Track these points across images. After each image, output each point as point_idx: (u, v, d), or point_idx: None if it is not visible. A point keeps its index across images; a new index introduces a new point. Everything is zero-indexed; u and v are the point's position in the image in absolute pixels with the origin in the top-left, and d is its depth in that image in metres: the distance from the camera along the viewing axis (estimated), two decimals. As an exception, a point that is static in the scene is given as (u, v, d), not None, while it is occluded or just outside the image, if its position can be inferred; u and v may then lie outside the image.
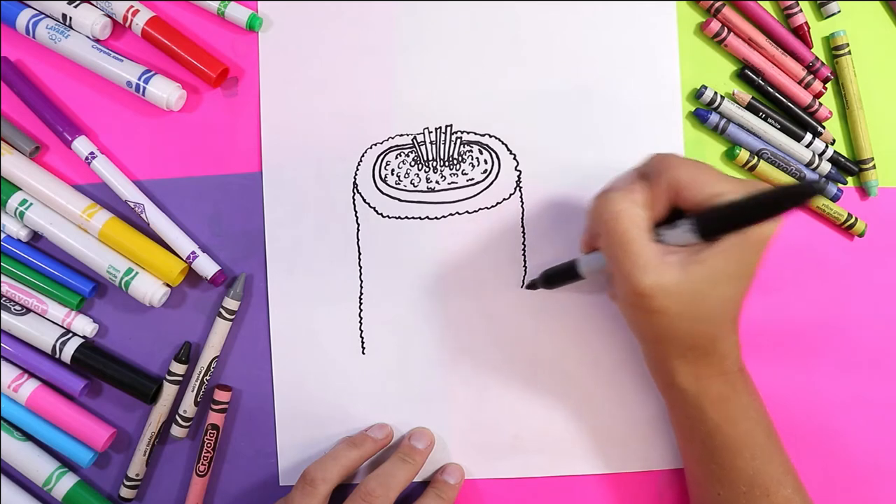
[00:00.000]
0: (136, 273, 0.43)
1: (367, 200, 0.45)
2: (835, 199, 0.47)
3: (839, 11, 0.47)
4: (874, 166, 0.47)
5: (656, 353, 0.39)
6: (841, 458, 0.46)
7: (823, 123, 0.47)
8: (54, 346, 0.43)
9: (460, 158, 0.45)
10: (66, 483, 0.44)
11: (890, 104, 0.47)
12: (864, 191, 0.47)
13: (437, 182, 0.45)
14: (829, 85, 0.47)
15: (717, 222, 0.34)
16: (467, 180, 0.45)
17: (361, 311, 0.45)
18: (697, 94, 0.45)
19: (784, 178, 0.46)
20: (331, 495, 0.41)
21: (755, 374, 0.46)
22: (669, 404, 0.41)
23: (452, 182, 0.45)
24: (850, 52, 0.46)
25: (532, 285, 0.44)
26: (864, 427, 0.47)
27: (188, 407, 0.44)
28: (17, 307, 0.44)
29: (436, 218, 0.45)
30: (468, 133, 0.45)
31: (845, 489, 0.46)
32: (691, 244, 0.35)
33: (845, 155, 0.47)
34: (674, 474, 0.45)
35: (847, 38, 0.46)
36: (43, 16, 0.43)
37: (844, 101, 0.47)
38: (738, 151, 0.45)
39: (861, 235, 0.47)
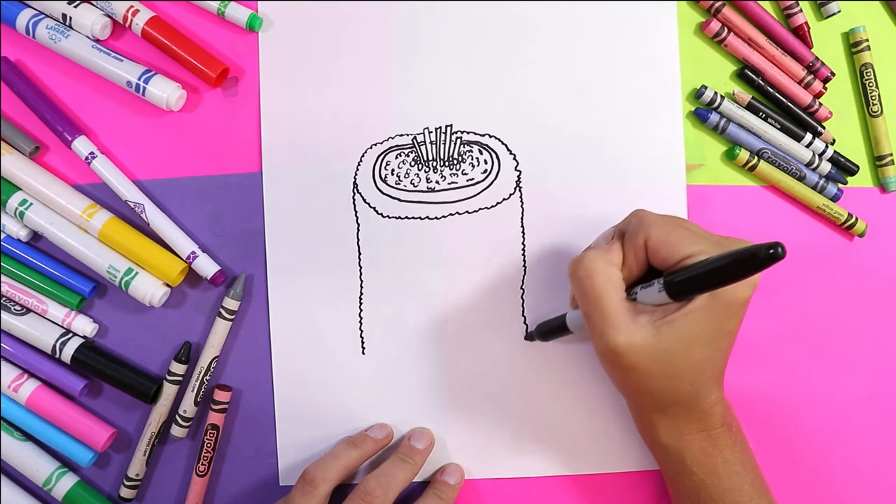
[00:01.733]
0: (136, 273, 0.43)
1: (367, 200, 0.45)
2: (835, 199, 0.47)
3: (839, 11, 0.47)
4: (892, 161, 0.47)
5: (637, 408, 0.39)
6: (841, 458, 0.46)
7: (823, 123, 0.47)
8: (54, 346, 0.43)
9: (460, 158, 0.45)
10: (66, 483, 0.44)
11: (891, 104, 0.47)
12: (882, 187, 0.47)
13: (437, 182, 0.45)
14: (829, 85, 0.47)
15: (684, 283, 0.34)
16: (467, 180, 0.45)
17: (361, 311, 0.45)
18: (697, 94, 0.45)
19: (784, 178, 0.46)
20: (331, 495, 0.41)
21: (754, 375, 0.46)
22: (654, 457, 0.41)
23: (452, 182, 0.45)
24: (869, 48, 0.46)
25: (530, 337, 0.44)
26: (865, 427, 0.47)
27: (188, 407, 0.44)
28: (17, 307, 0.44)
29: (436, 218, 0.45)
30: (468, 133, 0.45)
31: (846, 489, 0.46)
32: (664, 304, 0.35)
33: (853, 153, 0.47)
34: (674, 474, 0.45)
35: (867, 35, 0.46)
36: (43, 16, 0.43)
37: (864, 97, 0.47)
38: (738, 151, 0.45)
39: (861, 235, 0.47)
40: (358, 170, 0.45)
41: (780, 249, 0.28)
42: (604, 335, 0.35)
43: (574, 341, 0.44)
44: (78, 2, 0.43)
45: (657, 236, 0.36)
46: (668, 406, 0.37)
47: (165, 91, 0.43)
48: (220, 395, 0.44)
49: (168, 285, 0.44)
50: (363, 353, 0.45)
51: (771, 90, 0.46)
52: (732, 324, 0.36)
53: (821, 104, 0.47)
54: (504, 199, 0.45)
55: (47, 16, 0.44)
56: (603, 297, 0.35)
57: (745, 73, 0.46)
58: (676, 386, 0.36)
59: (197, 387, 0.44)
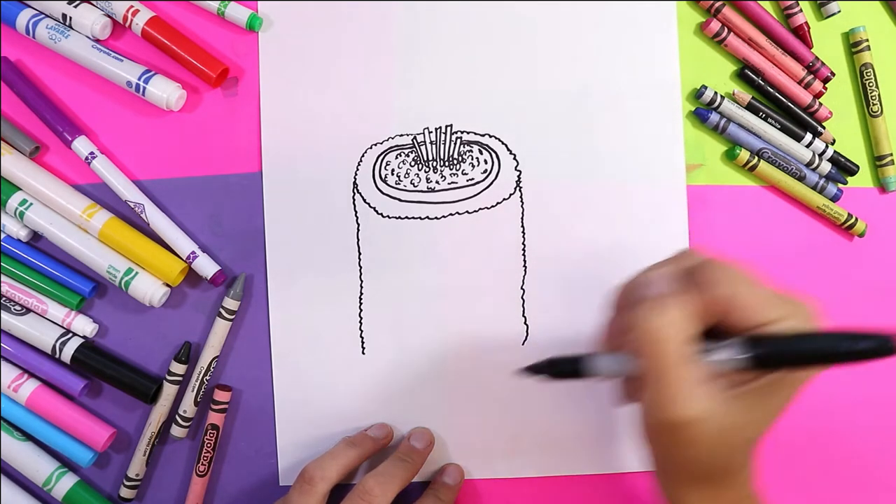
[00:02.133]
0: (136, 273, 0.43)
1: (367, 200, 0.45)
2: (835, 199, 0.47)
3: (839, 11, 0.47)
4: (892, 161, 0.47)
5: (667, 478, 0.35)
6: (842, 459, 0.46)
7: (823, 123, 0.47)
8: (54, 346, 0.43)
9: (460, 158, 0.45)
10: (66, 483, 0.44)
11: (891, 104, 0.47)
12: (882, 187, 0.47)
13: (437, 182, 0.45)
14: (829, 85, 0.47)
15: (775, 355, 0.29)
16: (467, 180, 0.45)
17: (361, 311, 0.45)
18: (697, 94, 0.45)
19: (784, 178, 0.46)
20: (330, 495, 0.41)
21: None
22: None
23: (452, 182, 0.45)
24: (869, 48, 0.46)
25: (532, 370, 0.35)
26: (865, 427, 0.47)
27: (188, 407, 0.44)
28: (17, 307, 0.44)
29: (436, 218, 0.45)
30: (468, 133, 0.45)
31: (846, 490, 0.46)
32: (738, 370, 0.30)
33: (853, 153, 0.47)
34: (674, 474, 0.45)
35: (867, 34, 0.46)
36: (43, 16, 0.43)
37: (864, 97, 0.47)
38: (738, 151, 0.45)
39: (861, 235, 0.47)
40: (358, 170, 0.45)
41: (892, 344, 0.26)
42: (667, 408, 0.30)
43: (574, 345, 0.44)
44: (78, 2, 0.43)
45: (745, 295, 0.30)
46: (704, 477, 0.33)
47: (165, 91, 0.43)
48: (220, 395, 0.44)
49: (168, 285, 0.44)
50: (363, 353, 0.45)
51: (771, 90, 0.46)
52: (789, 402, 0.32)
53: (821, 104, 0.47)
54: (504, 199, 0.45)
55: (47, 16, 0.44)
56: (677, 363, 0.30)
57: (745, 73, 0.46)
58: (721, 461, 0.32)
59: (197, 387, 0.44)
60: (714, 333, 0.31)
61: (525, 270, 0.45)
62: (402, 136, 0.45)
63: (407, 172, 0.45)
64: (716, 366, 0.30)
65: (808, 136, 0.46)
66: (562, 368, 0.34)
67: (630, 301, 0.33)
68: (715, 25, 0.45)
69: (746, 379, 0.30)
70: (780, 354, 0.29)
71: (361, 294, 0.45)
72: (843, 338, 0.28)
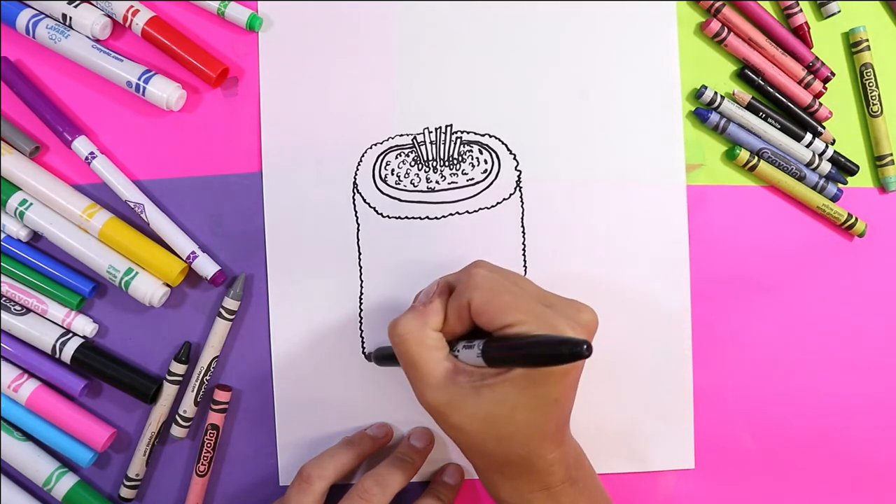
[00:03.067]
0: (136, 273, 0.43)
1: (367, 200, 0.45)
2: (835, 199, 0.47)
3: (839, 11, 0.47)
4: (892, 161, 0.47)
5: (476, 466, 0.39)
6: (841, 459, 0.46)
7: (823, 123, 0.47)
8: (54, 346, 0.43)
9: (460, 158, 0.45)
10: (66, 483, 0.44)
11: (891, 104, 0.47)
12: (882, 187, 0.47)
13: (437, 182, 0.45)
14: (829, 85, 0.47)
15: (498, 356, 0.34)
16: (467, 180, 0.45)
17: (361, 311, 0.45)
18: (697, 94, 0.45)
19: (784, 178, 0.46)
20: (330, 496, 0.41)
21: (755, 375, 0.46)
22: None
23: (452, 182, 0.45)
24: (869, 48, 0.47)
25: (368, 357, 0.44)
26: (865, 427, 0.47)
27: (188, 407, 0.44)
28: (17, 307, 0.44)
29: (436, 218, 0.45)
30: (468, 133, 0.45)
31: (846, 489, 0.46)
32: (483, 367, 0.35)
33: (853, 153, 0.47)
34: (675, 475, 0.45)
35: (867, 34, 0.46)
36: (43, 16, 0.43)
37: (864, 97, 0.47)
38: (738, 151, 0.45)
39: (861, 235, 0.47)
40: (358, 170, 0.45)
41: (583, 349, 0.28)
42: (422, 395, 0.36)
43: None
44: (78, 2, 0.43)
45: (479, 301, 0.35)
46: (502, 466, 0.37)
47: (165, 91, 0.43)
48: (220, 395, 0.44)
49: (168, 285, 0.44)
50: (363, 353, 0.45)
51: (771, 90, 0.46)
52: (557, 391, 0.34)
53: (821, 104, 0.47)
54: (504, 199, 0.45)
55: (47, 16, 0.44)
56: (417, 360, 0.36)
57: (745, 73, 0.46)
58: (506, 448, 0.35)
59: (197, 387, 0.44)
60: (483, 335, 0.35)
61: (525, 270, 0.45)
62: (402, 136, 0.45)
63: (407, 172, 0.45)
64: (466, 362, 0.35)
65: (808, 136, 0.46)
66: (381, 355, 0.42)
67: None
68: (715, 25, 0.45)
69: (492, 374, 0.34)
70: (504, 356, 0.33)
71: (361, 294, 0.45)
72: (548, 343, 0.31)
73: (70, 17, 0.43)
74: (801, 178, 0.46)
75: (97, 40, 0.44)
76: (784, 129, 0.46)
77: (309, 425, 0.44)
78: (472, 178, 0.45)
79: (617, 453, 0.45)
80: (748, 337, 0.46)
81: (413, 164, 0.45)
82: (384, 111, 0.45)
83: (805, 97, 0.47)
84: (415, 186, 0.45)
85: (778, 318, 0.46)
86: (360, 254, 0.45)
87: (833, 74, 0.47)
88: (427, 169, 0.45)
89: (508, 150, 0.45)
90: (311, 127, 0.45)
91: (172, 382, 0.44)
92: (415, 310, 0.38)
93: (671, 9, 0.46)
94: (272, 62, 0.45)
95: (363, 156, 0.45)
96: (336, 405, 0.45)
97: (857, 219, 0.46)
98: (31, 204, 0.43)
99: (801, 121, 0.47)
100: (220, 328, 0.44)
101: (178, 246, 0.44)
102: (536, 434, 0.35)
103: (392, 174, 0.45)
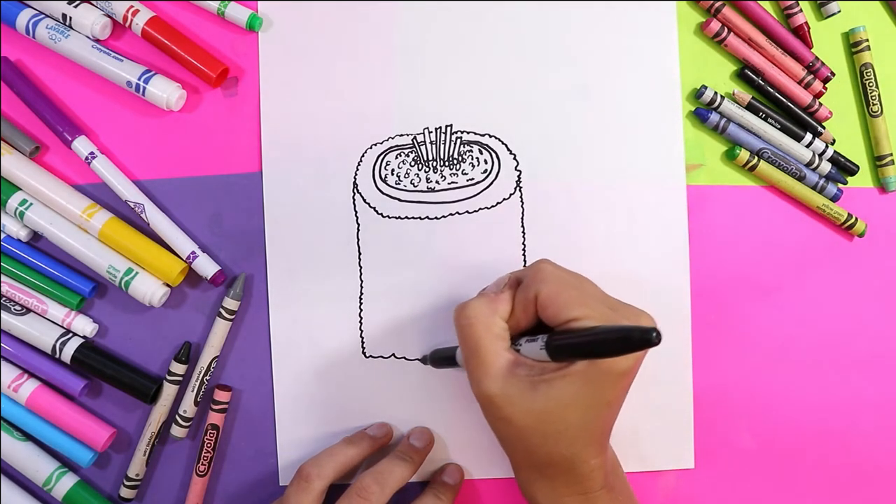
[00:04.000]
0: (136, 273, 0.43)
1: (367, 200, 0.45)
2: (835, 199, 0.47)
3: (839, 11, 0.47)
4: (892, 161, 0.47)
5: (516, 463, 0.39)
6: (842, 458, 0.46)
7: (823, 123, 0.47)
8: (54, 346, 0.43)
9: (460, 158, 0.45)
10: (66, 483, 0.44)
11: (891, 104, 0.47)
12: (882, 187, 0.47)
13: (437, 182, 0.45)
14: (829, 85, 0.47)
15: (562, 347, 0.33)
16: (467, 180, 0.45)
17: (361, 311, 0.45)
18: (697, 94, 0.45)
19: (784, 178, 0.46)
20: (330, 496, 0.41)
21: (755, 375, 0.46)
22: None
23: (452, 182, 0.45)
24: (869, 48, 0.47)
25: (423, 360, 0.44)
26: (865, 427, 0.47)
27: (188, 407, 0.44)
28: (17, 307, 0.44)
29: (436, 218, 0.45)
30: (468, 133, 0.45)
31: (846, 489, 0.46)
32: (545, 361, 0.35)
33: (853, 153, 0.47)
34: (675, 475, 0.45)
35: (867, 34, 0.46)
36: (43, 16, 0.43)
37: (864, 97, 0.47)
38: (738, 151, 0.45)
39: (861, 235, 0.47)
40: (358, 170, 0.45)
41: (653, 336, 0.28)
42: (479, 383, 0.35)
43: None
44: (78, 2, 0.43)
45: (547, 293, 0.35)
46: (543, 466, 0.37)
47: (165, 91, 0.43)
48: (220, 395, 0.44)
49: (168, 285, 0.44)
50: (363, 353, 0.45)
51: (771, 90, 0.46)
52: (612, 393, 0.35)
53: (821, 104, 0.47)
54: (504, 199, 0.45)
55: (47, 16, 0.44)
56: (481, 345, 0.35)
57: (745, 73, 0.46)
58: (552, 448, 0.35)
59: (197, 387, 0.44)
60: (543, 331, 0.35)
61: (525, 270, 0.45)
62: (402, 136, 0.45)
63: (407, 172, 0.45)
64: (526, 356, 0.35)
65: (808, 136, 0.46)
66: (438, 357, 0.42)
67: None
68: (715, 25, 0.45)
69: (551, 369, 0.34)
70: (569, 347, 0.33)
71: (361, 294, 0.45)
72: (617, 330, 0.31)
73: (70, 17, 0.43)
74: (801, 178, 0.46)
75: (97, 40, 0.44)
76: (784, 129, 0.46)
77: (309, 425, 0.44)
78: (472, 178, 0.45)
79: (617, 453, 0.45)
80: (748, 337, 0.46)
81: (413, 164, 0.45)
82: (384, 111, 0.45)
83: (805, 97, 0.47)
84: (415, 186, 0.45)
85: (778, 317, 0.46)
86: (360, 254, 0.45)
87: (833, 74, 0.47)
88: (427, 169, 0.45)
89: (508, 150, 0.45)
90: (311, 127, 0.45)
91: (172, 382, 0.44)
92: (485, 296, 0.37)
93: (671, 9, 0.46)
94: (272, 62, 0.45)
95: (363, 156, 0.45)
96: (336, 405, 0.45)
97: (857, 219, 0.46)
98: (31, 204, 0.43)
99: (801, 121, 0.47)
100: (220, 328, 0.44)
101: (178, 246, 0.44)
102: (583, 436, 0.35)
103: (392, 174, 0.45)
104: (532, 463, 0.37)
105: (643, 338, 0.28)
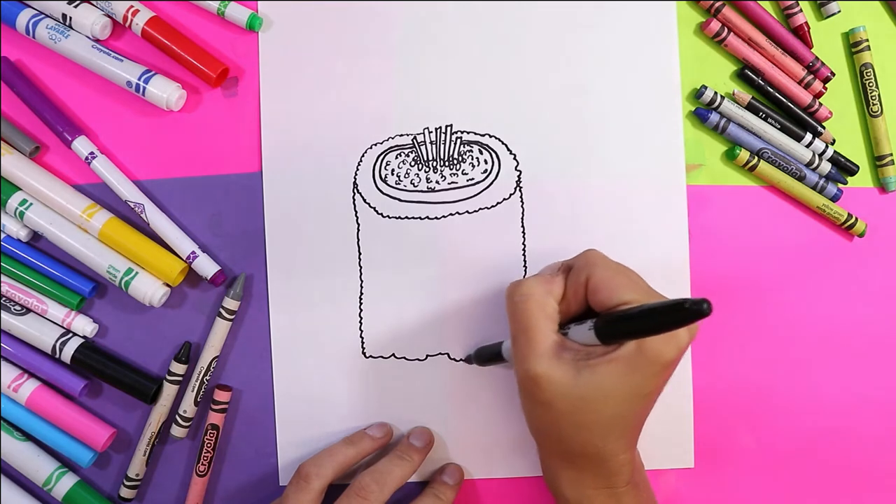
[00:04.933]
0: (136, 273, 0.43)
1: (367, 200, 0.45)
2: (835, 199, 0.47)
3: (839, 11, 0.47)
4: (892, 161, 0.47)
5: (544, 452, 0.39)
6: (842, 458, 0.46)
7: (823, 123, 0.47)
8: (54, 346, 0.43)
9: (460, 158, 0.45)
10: (66, 483, 0.44)
11: (891, 104, 0.47)
12: (882, 187, 0.47)
13: (437, 182, 0.45)
14: (829, 85, 0.47)
15: (611, 325, 0.33)
16: (467, 180, 0.45)
17: (361, 311, 0.45)
18: (697, 94, 0.45)
19: (784, 178, 0.46)
20: (329, 495, 0.41)
21: (755, 375, 0.46)
22: None
23: (452, 182, 0.45)
24: (869, 48, 0.47)
25: (468, 360, 0.44)
26: (865, 427, 0.47)
27: (188, 407, 0.44)
28: (17, 307, 0.44)
29: (436, 218, 0.45)
30: (468, 133, 0.45)
31: (846, 489, 0.46)
32: (592, 345, 0.35)
33: (853, 153, 0.47)
34: (675, 474, 0.45)
35: (867, 34, 0.46)
36: (43, 16, 0.43)
37: (864, 97, 0.47)
38: (738, 151, 0.45)
39: (861, 235, 0.47)
40: (358, 170, 0.45)
41: (705, 306, 0.28)
42: (525, 361, 0.35)
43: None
44: (78, 2, 0.43)
45: (599, 277, 0.35)
46: (574, 456, 0.37)
47: (165, 91, 0.43)
48: (220, 395, 0.44)
49: (168, 285, 0.44)
50: (363, 353, 0.45)
51: (771, 90, 0.46)
52: (652, 384, 0.35)
53: (821, 104, 0.47)
54: (504, 199, 0.45)
55: (47, 16, 0.44)
56: (533, 323, 0.35)
57: (745, 73, 0.46)
58: (585, 437, 0.35)
59: (197, 387, 0.44)
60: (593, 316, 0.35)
61: (525, 270, 0.45)
62: (402, 136, 0.45)
63: (407, 172, 0.45)
64: (574, 340, 0.35)
65: (808, 136, 0.46)
66: (485, 354, 0.42)
67: None
68: (715, 25, 0.45)
69: (597, 354, 0.34)
70: (619, 322, 0.33)
71: (361, 294, 0.45)
72: (668, 304, 0.30)
73: (70, 17, 0.43)
74: (801, 178, 0.46)
75: (97, 40, 0.44)
76: (784, 129, 0.46)
77: (309, 425, 0.44)
78: (472, 178, 0.45)
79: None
80: (748, 337, 0.46)
81: (413, 164, 0.45)
82: (384, 111, 0.45)
83: (805, 97, 0.47)
84: (415, 186, 0.45)
85: (778, 317, 0.46)
86: (360, 254, 0.45)
87: (833, 74, 0.47)
88: (427, 169, 0.45)
89: (508, 150, 0.45)
90: (311, 127, 0.45)
91: (172, 382, 0.44)
92: (542, 276, 0.38)
93: (671, 9, 0.46)
94: (272, 62, 0.45)
95: (363, 156, 0.45)
96: (336, 405, 0.45)
97: (857, 219, 0.46)
98: (31, 204, 0.43)
99: (801, 121, 0.47)
100: (220, 328, 0.44)
101: (178, 246, 0.44)
102: (618, 428, 0.35)
103: (392, 174, 0.45)
104: (562, 452, 0.37)
105: (695, 308, 0.28)
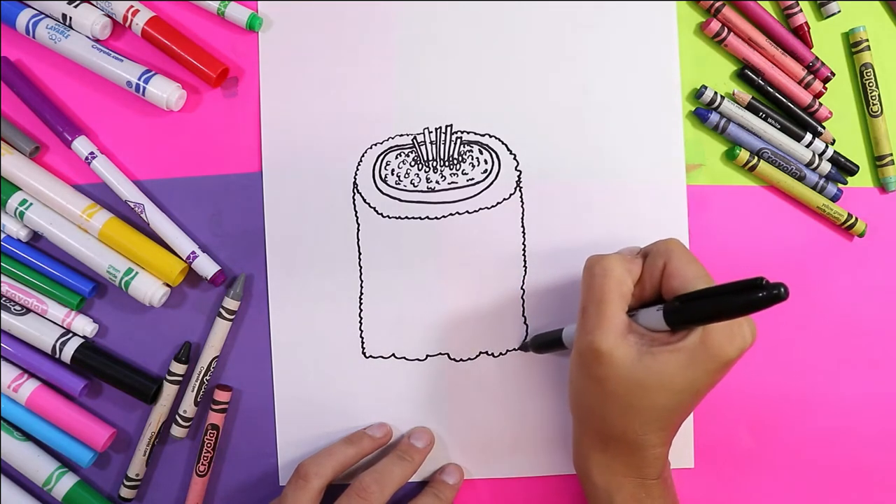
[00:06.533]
0: (136, 273, 0.43)
1: (367, 200, 0.45)
2: (835, 199, 0.47)
3: (839, 11, 0.47)
4: (892, 161, 0.47)
5: (580, 433, 0.39)
6: (842, 458, 0.46)
7: (823, 123, 0.47)
8: (54, 346, 0.43)
9: (460, 158, 0.45)
10: (66, 483, 0.44)
11: (891, 104, 0.47)
12: (882, 187, 0.47)
13: (437, 182, 0.45)
14: (829, 85, 0.47)
15: (682, 307, 0.33)
16: (467, 180, 0.45)
17: (361, 311, 0.45)
18: (697, 94, 0.45)
19: (784, 178, 0.46)
20: (328, 494, 0.41)
21: (755, 375, 0.46)
22: (585, 493, 0.40)
23: (452, 182, 0.45)
24: (869, 48, 0.47)
25: (524, 348, 0.44)
26: (865, 427, 0.46)
27: (188, 407, 0.44)
28: (17, 307, 0.44)
29: (436, 218, 0.45)
30: (468, 133, 0.45)
31: (846, 489, 0.46)
32: (659, 331, 0.35)
33: (853, 153, 0.47)
34: (677, 474, 0.45)
35: (867, 34, 0.46)
36: (43, 16, 0.43)
37: (864, 97, 0.47)
38: (738, 151, 0.45)
39: (861, 235, 0.47)
40: (358, 170, 0.45)
41: (783, 290, 0.28)
42: (591, 333, 0.35)
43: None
44: (78, 2, 0.43)
45: (676, 265, 0.35)
46: (610, 440, 0.37)
47: (165, 91, 0.43)
48: (220, 395, 0.44)
49: (168, 285, 0.44)
50: (363, 353, 0.45)
51: (771, 90, 0.46)
52: (707, 381, 0.35)
53: (821, 104, 0.47)
54: (504, 199, 0.45)
55: (47, 16, 0.44)
56: (607, 298, 0.35)
57: (745, 73, 0.46)
58: (627, 423, 0.36)
59: (197, 387, 0.44)
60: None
61: (525, 270, 0.45)
62: (402, 136, 0.45)
63: (407, 172, 0.45)
64: (641, 324, 0.35)
65: (808, 136, 0.46)
66: (542, 341, 0.42)
67: None
68: (715, 25, 0.45)
69: (661, 341, 0.34)
70: (690, 304, 0.33)
71: (361, 294, 0.45)
72: (745, 283, 0.30)
73: (70, 17, 0.43)
74: (801, 178, 0.46)
75: (97, 40, 0.44)
76: (784, 129, 0.46)
77: (309, 425, 0.44)
78: (472, 178, 0.45)
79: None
80: (748, 337, 0.46)
81: (413, 164, 0.45)
82: (384, 111, 0.45)
83: (805, 97, 0.47)
84: (415, 186, 0.45)
85: (778, 317, 0.46)
86: (360, 254, 0.45)
87: (833, 74, 0.47)
88: (427, 169, 0.45)
89: (508, 150, 0.45)
90: (311, 127, 0.45)
91: (172, 382, 0.44)
92: (622, 255, 0.38)
93: (671, 9, 0.46)
94: (272, 62, 0.45)
95: (363, 156, 0.45)
96: (336, 405, 0.45)
97: (857, 219, 0.46)
98: (31, 204, 0.43)
99: (801, 121, 0.47)
100: (220, 328, 0.44)
101: (178, 246, 0.44)
102: (662, 420, 0.36)
103: (392, 174, 0.45)
104: (600, 433, 0.37)
105: (773, 290, 0.28)
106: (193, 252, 0.44)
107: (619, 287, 0.36)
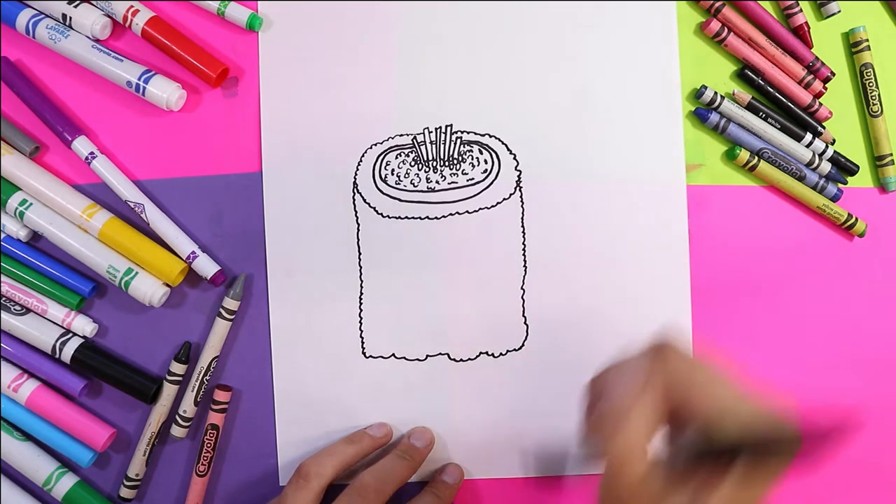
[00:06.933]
0: (136, 273, 0.43)
1: (367, 200, 0.45)
2: (835, 199, 0.47)
3: (839, 11, 0.47)
4: (892, 161, 0.47)
5: None
6: (841, 458, 0.46)
7: (823, 123, 0.47)
8: (54, 346, 0.43)
9: (460, 158, 0.45)
10: (66, 483, 0.44)
11: (891, 104, 0.47)
12: (882, 187, 0.47)
13: (437, 182, 0.45)
14: (829, 85, 0.47)
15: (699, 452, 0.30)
16: (467, 180, 0.45)
17: (361, 311, 0.45)
18: (697, 94, 0.45)
19: (784, 178, 0.46)
20: (329, 496, 0.41)
21: (754, 375, 0.46)
22: None
23: (452, 182, 0.45)
24: (869, 48, 0.47)
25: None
26: (865, 427, 0.46)
27: (188, 407, 0.44)
28: (17, 307, 0.44)
29: (436, 218, 0.45)
30: (468, 133, 0.45)
31: (846, 489, 0.46)
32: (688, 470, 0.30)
33: (853, 153, 0.47)
34: (674, 474, 0.45)
35: (867, 34, 0.46)
36: (43, 16, 0.43)
37: (864, 97, 0.47)
38: (738, 151, 0.45)
39: (861, 235, 0.47)
40: (358, 170, 0.45)
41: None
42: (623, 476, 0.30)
43: (574, 345, 0.44)
44: (78, 2, 0.43)
45: (701, 395, 0.31)
46: None
47: (165, 91, 0.43)
48: (220, 395, 0.44)
49: (168, 285, 0.44)
50: (363, 353, 0.45)
51: (771, 90, 0.46)
52: (763, 494, 0.31)
53: (821, 104, 0.47)
54: (504, 199, 0.45)
55: (47, 16, 0.44)
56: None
57: (745, 73, 0.46)
58: None
59: (197, 387, 0.44)
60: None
61: (525, 270, 0.45)
62: (402, 136, 0.45)
63: (407, 172, 0.45)
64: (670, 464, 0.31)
65: (808, 136, 0.46)
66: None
67: (603, 393, 0.34)
68: (715, 25, 0.45)
69: (704, 485, 0.30)
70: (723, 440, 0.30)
71: (361, 294, 0.45)
72: (759, 445, 0.28)
73: (70, 17, 0.43)
74: (801, 178, 0.46)
75: (97, 40, 0.44)
76: (784, 129, 0.46)
77: (309, 425, 0.44)
78: (472, 178, 0.45)
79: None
80: (748, 336, 0.46)
81: (413, 164, 0.45)
82: (384, 111, 0.45)
83: (805, 97, 0.47)
84: (415, 186, 0.45)
85: (778, 317, 0.46)
86: (360, 254, 0.45)
87: (833, 74, 0.47)
88: (427, 169, 0.45)
89: (508, 150, 0.45)
90: (311, 127, 0.45)
91: (172, 382, 0.44)
92: (638, 425, 0.30)
93: (671, 9, 0.46)
94: (272, 62, 0.45)
95: (363, 156, 0.45)
96: (336, 405, 0.45)
97: (857, 219, 0.46)
98: (31, 204, 0.43)
99: (801, 121, 0.47)
100: (220, 328, 0.44)
101: (178, 246, 0.44)
102: None
103: (392, 174, 0.45)
104: None
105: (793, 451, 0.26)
106: (193, 252, 0.44)
107: (643, 460, 0.30)
